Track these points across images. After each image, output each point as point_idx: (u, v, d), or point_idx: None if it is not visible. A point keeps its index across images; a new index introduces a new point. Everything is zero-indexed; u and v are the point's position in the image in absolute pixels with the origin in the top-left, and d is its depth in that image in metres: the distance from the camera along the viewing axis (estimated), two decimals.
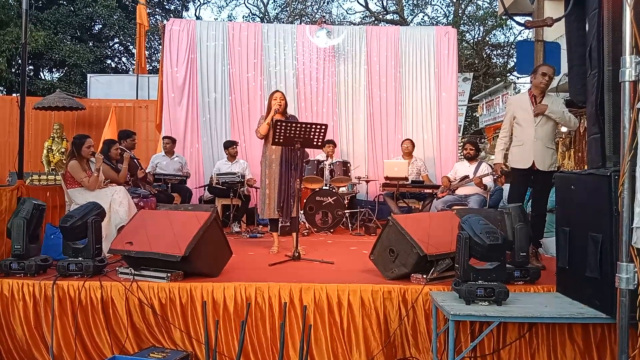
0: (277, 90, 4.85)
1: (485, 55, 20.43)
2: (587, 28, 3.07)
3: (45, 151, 8.73)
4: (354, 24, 20.39)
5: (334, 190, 6.45)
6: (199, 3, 23.68)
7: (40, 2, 17.43)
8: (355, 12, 23.37)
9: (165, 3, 21.77)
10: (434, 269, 3.36)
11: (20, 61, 15.03)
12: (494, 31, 20.27)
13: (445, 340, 3.02)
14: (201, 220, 3.47)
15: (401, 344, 3.22)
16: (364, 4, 22.13)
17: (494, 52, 20.91)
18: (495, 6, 18.92)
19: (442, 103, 7.84)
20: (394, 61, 7.85)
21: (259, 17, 23.09)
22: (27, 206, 3.55)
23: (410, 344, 3.22)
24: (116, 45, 21.24)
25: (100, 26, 19.69)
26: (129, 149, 6.11)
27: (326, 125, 4.45)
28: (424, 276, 3.33)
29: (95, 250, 3.48)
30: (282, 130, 4.32)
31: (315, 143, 4.44)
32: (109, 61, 20.92)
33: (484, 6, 20.15)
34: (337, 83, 7.85)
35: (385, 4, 21.90)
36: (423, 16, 21.83)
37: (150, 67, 18.65)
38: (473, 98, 16.97)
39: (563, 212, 3.17)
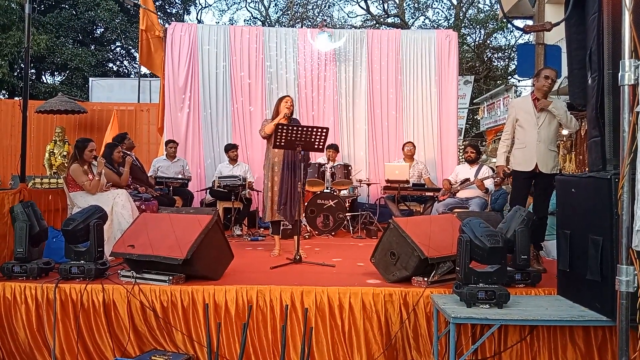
0: (287, 95, 4.83)
1: (486, 58, 20.46)
2: (587, 32, 3.08)
3: (47, 154, 8.77)
4: (355, 28, 20.48)
5: (335, 193, 6.45)
6: (200, 7, 23.81)
7: (42, 6, 17.50)
8: (357, 16, 23.56)
9: (166, 7, 21.84)
10: (435, 272, 3.36)
11: (22, 65, 15.11)
12: (495, 34, 20.31)
13: (447, 343, 3.02)
14: (203, 224, 3.48)
15: (402, 347, 3.23)
16: (365, 8, 22.21)
17: (495, 55, 20.95)
18: (496, 9, 18.98)
19: (442, 106, 7.85)
20: (395, 64, 7.87)
21: (260, 20, 23.17)
22: (17, 209, 3.56)
23: (411, 346, 3.22)
24: (118, 49, 21.30)
25: (102, 30, 19.75)
26: (130, 150, 6.13)
27: (327, 129, 4.47)
28: (425, 279, 3.34)
29: (97, 253, 3.49)
30: (284, 134, 4.33)
31: (316, 146, 4.45)
32: (110, 65, 20.99)
33: (485, 9, 20.23)
34: (338, 86, 7.87)
35: (386, 7, 21.95)
36: (424, 19, 21.92)
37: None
38: (474, 101, 17.01)
39: (564, 215, 3.17)
